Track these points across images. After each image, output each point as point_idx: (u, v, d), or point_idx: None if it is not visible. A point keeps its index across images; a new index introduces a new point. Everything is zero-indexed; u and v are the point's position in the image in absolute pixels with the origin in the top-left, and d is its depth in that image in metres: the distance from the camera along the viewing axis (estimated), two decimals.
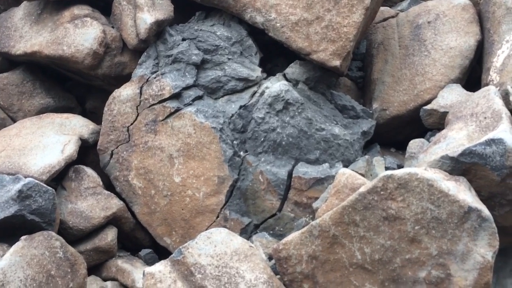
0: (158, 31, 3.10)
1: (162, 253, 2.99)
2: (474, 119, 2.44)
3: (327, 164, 2.78)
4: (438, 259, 2.04)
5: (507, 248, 2.31)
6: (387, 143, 3.26)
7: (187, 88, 2.99)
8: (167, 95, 2.98)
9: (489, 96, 2.51)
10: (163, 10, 3.12)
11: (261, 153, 2.86)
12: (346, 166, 2.81)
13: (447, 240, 2.03)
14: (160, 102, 3.00)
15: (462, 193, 2.06)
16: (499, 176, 2.10)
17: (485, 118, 2.38)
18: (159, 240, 2.99)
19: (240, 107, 2.95)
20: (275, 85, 2.92)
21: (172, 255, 2.28)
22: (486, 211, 2.01)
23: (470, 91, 2.94)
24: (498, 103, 2.41)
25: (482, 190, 2.16)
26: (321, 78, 3.06)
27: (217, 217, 2.88)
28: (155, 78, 3.03)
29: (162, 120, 2.98)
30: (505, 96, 2.70)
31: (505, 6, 3.03)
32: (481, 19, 3.23)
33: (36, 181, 2.61)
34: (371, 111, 3.12)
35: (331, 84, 3.12)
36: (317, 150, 2.85)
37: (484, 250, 1.98)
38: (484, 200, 2.14)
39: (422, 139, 2.72)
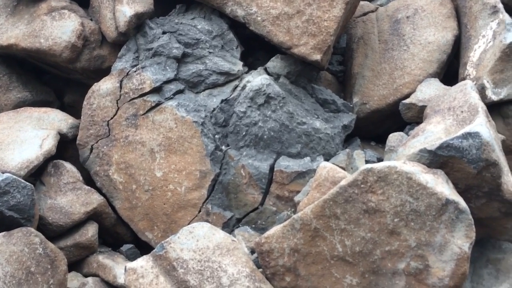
0: (138, 24, 3.07)
1: (144, 248, 2.97)
2: (451, 113, 2.49)
3: (308, 158, 2.80)
4: (416, 250, 2.08)
5: (483, 239, 2.37)
6: (367, 137, 3.30)
7: (168, 82, 2.97)
8: (147, 89, 2.95)
9: (466, 91, 2.56)
10: (143, 3, 3.08)
11: (243, 147, 2.86)
12: (327, 159, 2.83)
13: (425, 232, 2.08)
14: (140, 96, 2.97)
15: (440, 185, 2.10)
16: (475, 169, 2.15)
17: (462, 112, 2.43)
18: (141, 235, 2.98)
19: (222, 101, 2.94)
20: (257, 79, 2.92)
21: (154, 250, 2.27)
22: (463, 203, 2.06)
23: (448, 85, 2.99)
24: (475, 97, 2.46)
25: (459, 182, 2.21)
26: (302, 72, 3.07)
27: (199, 211, 2.88)
28: (135, 71, 3.00)
29: (143, 114, 2.96)
30: (481, 90, 2.77)
31: (482, 1, 3.08)
32: (458, 14, 3.29)
33: (14, 176, 2.56)
34: (351, 105, 3.16)
35: (312, 78, 3.14)
36: (298, 144, 2.87)
37: (461, 241, 2.03)
38: (461, 192, 2.19)
39: (401, 133, 2.77)
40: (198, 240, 2.25)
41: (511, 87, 2.80)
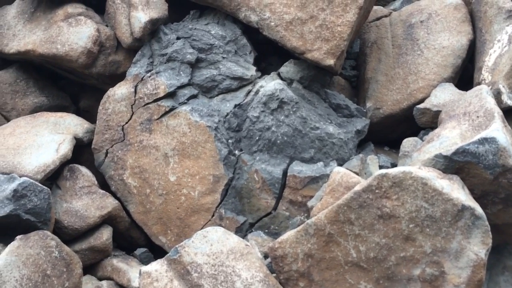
0: (153, 29, 3.10)
1: (157, 252, 2.99)
2: (467, 118, 2.47)
3: (321, 163, 2.80)
4: (432, 257, 2.07)
5: (499, 245, 2.35)
6: (380, 142, 3.28)
7: (182, 87, 2.99)
8: (162, 94, 2.98)
9: (481, 95, 2.54)
10: (158, 9, 3.12)
11: (256, 152, 2.87)
12: (340, 164, 2.83)
13: (441, 238, 2.06)
14: (155, 101, 3.00)
15: (456, 191, 2.09)
16: (492, 175, 2.13)
17: (478, 117, 2.41)
18: (154, 239, 3.00)
19: (235, 106, 2.96)
20: (270, 84, 2.93)
21: (168, 254, 2.29)
22: (479, 209, 2.04)
23: (463, 90, 2.97)
24: (491, 102, 2.44)
25: (475, 188, 2.19)
26: (315, 77, 3.07)
27: (213, 216, 2.89)
28: (149, 77, 3.03)
29: (157, 119, 2.98)
30: (497, 95, 2.74)
31: (497, 5, 3.06)
32: (473, 19, 3.27)
33: (31, 180, 2.60)
34: (365, 110, 3.15)
35: (325, 83, 3.14)
36: (311, 149, 2.87)
37: (477, 247, 2.01)
38: (477, 198, 2.17)
39: (415, 138, 2.75)
40: (212, 245, 2.26)
41: None
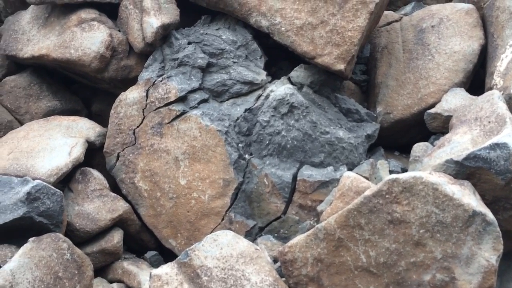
0: (164, 34, 3.13)
1: (167, 255, 3.01)
2: (478, 123, 2.45)
3: (331, 167, 2.80)
4: (442, 262, 2.06)
5: (511, 252, 2.32)
6: (391, 147, 3.27)
7: (193, 91, 3.02)
8: (173, 98, 3.01)
9: (493, 101, 2.52)
10: (169, 14, 3.15)
11: (266, 156, 2.88)
12: (350, 169, 2.83)
13: (451, 244, 2.05)
14: (166, 105, 3.03)
15: (467, 197, 2.08)
16: (504, 180, 2.12)
17: (489, 122, 2.39)
18: (165, 242, 3.02)
19: (245, 110, 2.97)
20: (280, 89, 2.94)
21: (178, 257, 2.30)
22: (490, 215, 2.03)
23: (474, 95, 2.95)
24: (502, 108, 2.43)
25: (486, 194, 2.18)
26: (326, 82, 3.08)
27: (222, 219, 2.90)
28: (161, 81, 3.06)
29: (168, 123, 3.01)
30: (508, 100, 2.72)
31: (509, 10, 3.05)
32: (484, 24, 3.25)
33: (44, 183, 2.64)
34: (375, 115, 3.15)
35: (336, 87, 3.14)
36: (321, 153, 2.87)
37: (488, 254, 2.00)
38: (488, 204, 2.15)
39: (426, 143, 2.74)
40: (222, 248, 2.27)
41: None
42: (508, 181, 2.12)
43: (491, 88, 2.88)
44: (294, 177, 2.82)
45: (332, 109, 3.07)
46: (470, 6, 3.31)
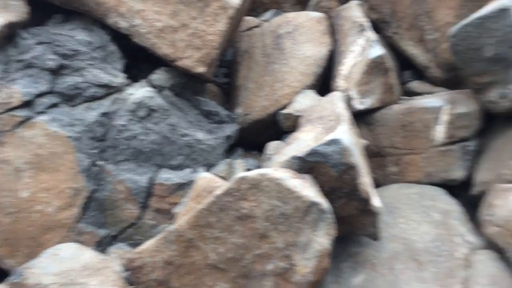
0: (10, 34, 2.91)
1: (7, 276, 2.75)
2: (321, 121, 2.67)
3: (190, 169, 2.83)
4: (284, 251, 2.19)
5: (345, 236, 2.56)
6: (251, 146, 3.41)
7: (41, 95, 2.84)
8: (16, 103, 2.79)
9: (333, 101, 2.77)
10: (16, 12, 2.94)
11: (122, 161, 2.82)
12: (208, 170, 2.89)
13: (292, 233, 2.19)
14: (7, 110, 2.79)
15: (307, 189, 2.24)
16: (337, 172, 2.32)
17: (330, 120, 2.62)
18: (0, 263, 2.76)
19: (101, 114, 2.88)
20: (139, 92, 2.91)
21: (9, 277, 2.13)
22: (325, 204, 2.22)
23: (324, 96, 3.21)
24: (340, 107, 2.68)
25: (324, 185, 2.37)
26: (187, 85, 3.11)
27: (70, 231, 2.74)
28: (2, 85, 2.83)
29: (10, 130, 2.79)
30: (349, 100, 3.01)
31: (351, 20, 3.37)
32: (333, 31, 3.55)
33: None
34: (235, 116, 3.26)
35: (198, 90, 3.19)
36: (180, 156, 2.89)
37: (322, 239, 2.17)
38: (326, 194, 2.34)
39: (279, 141, 2.91)
40: (62, 263, 2.15)
41: (374, 97, 3.08)
42: (341, 173, 2.33)
43: (335, 90, 3.15)
44: (151, 181, 2.80)
45: (193, 112, 3.11)
46: (321, 14, 3.59)
